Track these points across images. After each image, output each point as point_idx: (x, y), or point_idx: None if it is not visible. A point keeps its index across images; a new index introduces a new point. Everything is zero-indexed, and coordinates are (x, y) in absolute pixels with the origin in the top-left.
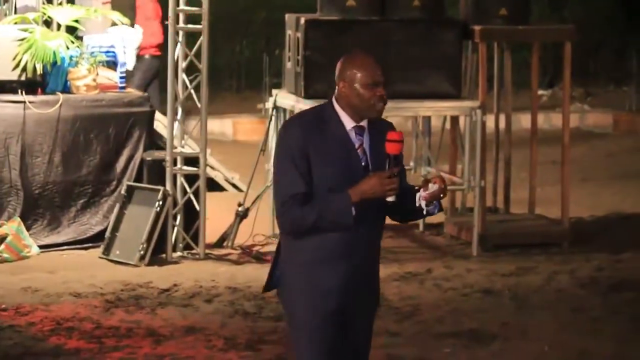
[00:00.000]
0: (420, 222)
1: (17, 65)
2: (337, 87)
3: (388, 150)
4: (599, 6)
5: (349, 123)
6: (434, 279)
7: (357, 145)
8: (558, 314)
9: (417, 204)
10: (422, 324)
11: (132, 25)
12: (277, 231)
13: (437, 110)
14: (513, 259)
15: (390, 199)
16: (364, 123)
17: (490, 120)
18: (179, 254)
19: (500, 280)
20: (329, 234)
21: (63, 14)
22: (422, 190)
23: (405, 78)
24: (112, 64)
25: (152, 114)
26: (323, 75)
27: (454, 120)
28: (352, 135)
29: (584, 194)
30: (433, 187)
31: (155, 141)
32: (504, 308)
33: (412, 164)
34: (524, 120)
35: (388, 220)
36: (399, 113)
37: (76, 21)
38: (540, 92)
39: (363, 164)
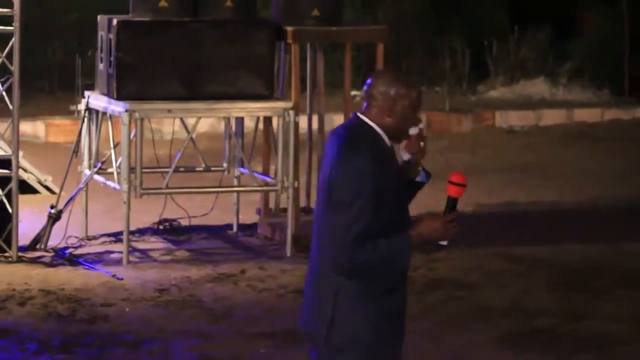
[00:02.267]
0: (234, 223)
1: None
2: (372, 105)
3: (451, 193)
4: (410, 7)
5: (388, 142)
6: (248, 279)
7: (403, 167)
8: None
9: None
10: (237, 325)
11: None
12: (91, 233)
13: (249, 111)
14: None
15: (443, 242)
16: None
17: (303, 121)
18: None
19: None
20: None
21: None
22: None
23: (218, 79)
24: None
25: None
26: (135, 76)
27: (267, 121)
28: None
29: None
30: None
31: None
32: None
33: (225, 165)
34: (337, 121)
35: (202, 220)
36: (212, 114)
37: None
38: (353, 92)
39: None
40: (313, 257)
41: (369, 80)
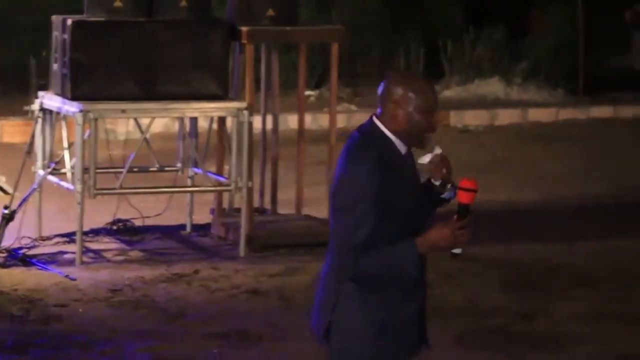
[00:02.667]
0: (188, 223)
1: None
2: (382, 109)
3: (461, 199)
4: (366, 7)
5: (402, 149)
6: (202, 280)
7: (418, 174)
8: None
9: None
10: (190, 325)
11: None
12: (44, 233)
13: (203, 112)
14: (281, 259)
15: (456, 250)
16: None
17: (257, 121)
18: None
19: (268, 281)
20: None
21: None
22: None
23: (172, 79)
24: None
25: None
26: (90, 76)
27: (221, 121)
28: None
29: None
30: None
31: None
32: (272, 308)
33: (178, 165)
34: (291, 121)
35: (156, 221)
36: (166, 114)
37: None
38: (307, 92)
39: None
40: (326, 260)
41: (381, 83)
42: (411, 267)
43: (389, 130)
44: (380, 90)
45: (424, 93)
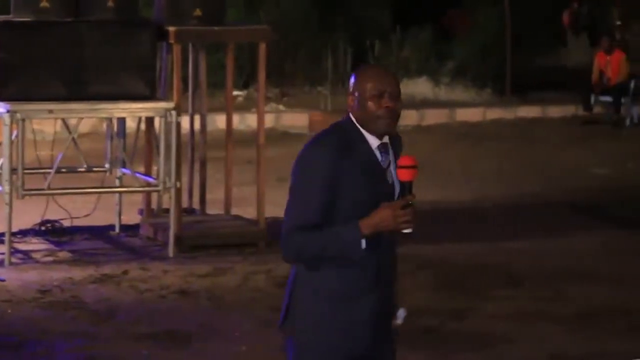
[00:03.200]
0: (116, 223)
1: None
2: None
3: (401, 178)
4: (294, 8)
5: (373, 141)
6: (131, 280)
7: (385, 167)
8: (255, 314)
9: None
10: (119, 326)
11: None
12: None
13: (131, 112)
14: (210, 259)
15: (406, 230)
16: (386, 140)
17: (185, 121)
18: None
19: (197, 281)
20: (352, 264)
21: None
22: None
23: (100, 79)
24: None
25: None
26: (17, 77)
27: (149, 121)
28: (378, 155)
29: (280, 194)
30: None
31: None
32: (201, 309)
33: (107, 165)
34: (219, 121)
35: (85, 221)
36: (94, 114)
37: None
38: (235, 92)
39: (394, 188)
40: None
41: None
42: (352, 249)
43: (358, 123)
44: None
45: (370, 79)
